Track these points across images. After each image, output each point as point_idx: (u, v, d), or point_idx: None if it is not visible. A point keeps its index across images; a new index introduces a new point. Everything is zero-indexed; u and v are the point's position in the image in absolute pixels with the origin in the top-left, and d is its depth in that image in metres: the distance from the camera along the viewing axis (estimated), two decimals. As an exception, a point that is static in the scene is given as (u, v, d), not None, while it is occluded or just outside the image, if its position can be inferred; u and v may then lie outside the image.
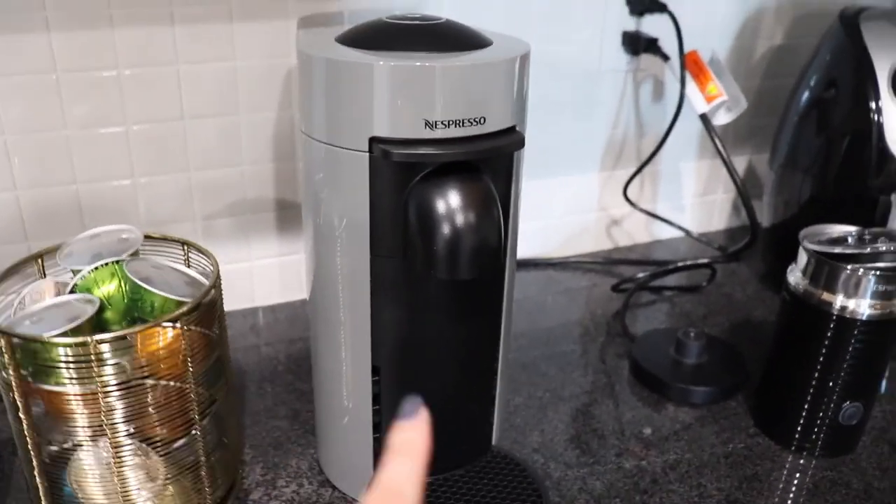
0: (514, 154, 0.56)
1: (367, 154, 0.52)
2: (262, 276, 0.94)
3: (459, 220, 0.51)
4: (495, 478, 0.64)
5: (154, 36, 0.78)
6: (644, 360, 0.83)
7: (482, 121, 0.52)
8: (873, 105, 0.87)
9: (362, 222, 0.54)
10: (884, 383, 0.74)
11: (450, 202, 0.51)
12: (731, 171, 0.89)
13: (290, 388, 0.80)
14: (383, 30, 0.55)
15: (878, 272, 0.66)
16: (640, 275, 1.01)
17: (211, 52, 0.80)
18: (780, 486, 0.69)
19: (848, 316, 0.67)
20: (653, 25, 0.98)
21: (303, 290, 0.96)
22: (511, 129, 0.54)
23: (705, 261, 1.02)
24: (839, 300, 0.68)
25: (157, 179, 0.84)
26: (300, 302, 0.96)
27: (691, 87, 0.91)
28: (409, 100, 0.50)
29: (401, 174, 0.52)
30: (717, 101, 0.90)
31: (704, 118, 0.91)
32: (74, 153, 0.80)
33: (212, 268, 0.61)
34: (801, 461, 0.72)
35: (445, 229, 0.51)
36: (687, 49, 0.94)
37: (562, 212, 1.07)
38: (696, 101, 0.91)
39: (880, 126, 0.86)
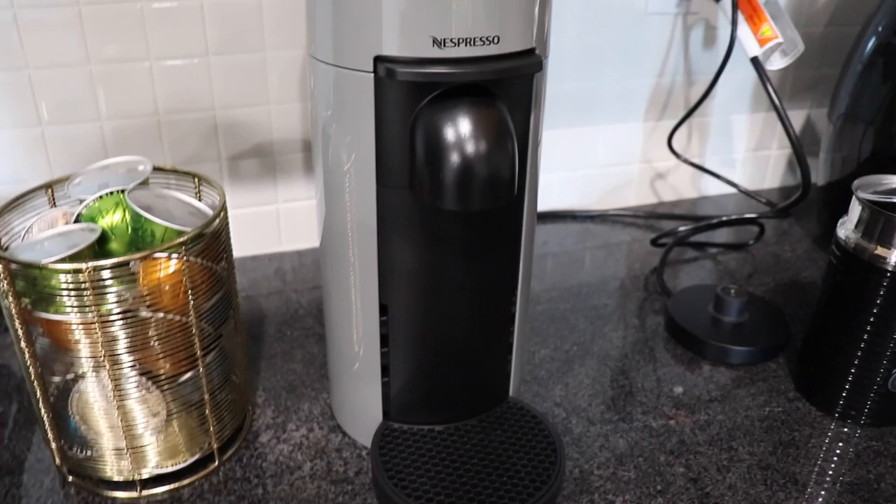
0: (533, 79, 0.52)
1: (373, 74, 0.48)
2: (288, 219, 0.92)
3: (469, 147, 0.47)
4: (510, 429, 0.60)
5: (177, -35, 0.76)
6: (680, 316, 0.78)
7: (496, 40, 0.48)
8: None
9: (368, 150, 0.50)
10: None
11: (459, 128, 0.47)
12: (784, 121, 0.83)
13: (309, 332, 0.78)
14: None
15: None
16: (682, 229, 0.96)
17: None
18: (819, 454, 0.65)
19: (903, 272, 0.62)
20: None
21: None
22: (530, 52, 0.50)
23: (752, 216, 0.96)
24: (894, 255, 0.62)
25: (181, 117, 0.82)
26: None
27: (743, 28, 0.85)
28: (417, 15, 0.46)
29: (408, 96, 0.48)
30: (772, 43, 0.84)
31: (756, 62, 0.84)
32: (100, 89, 0.78)
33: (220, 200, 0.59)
34: (844, 429, 0.67)
35: (454, 157, 0.47)
36: (742, -10, 0.88)
37: (603, 162, 1.02)
38: (749, 43, 0.85)
39: (950, 73, 0.80)
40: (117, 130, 0.80)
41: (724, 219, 0.99)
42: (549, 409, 0.68)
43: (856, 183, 0.66)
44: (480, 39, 0.47)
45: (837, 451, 0.65)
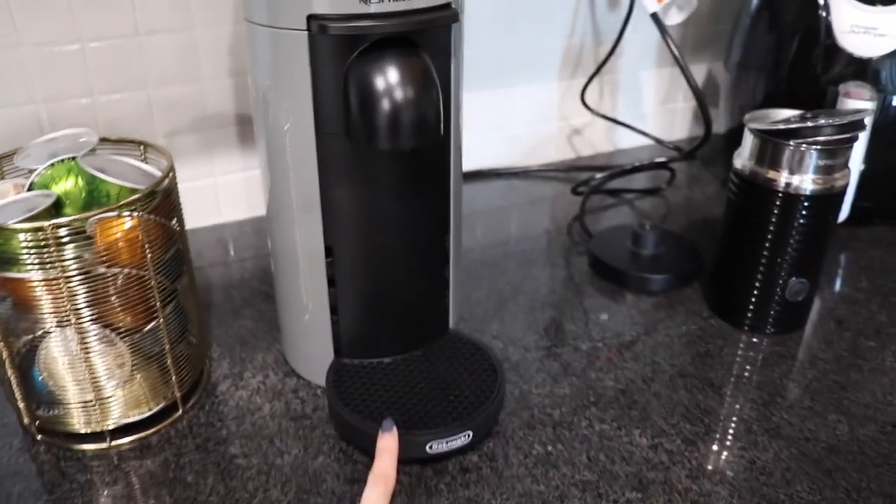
0: (451, 30, 0.57)
1: (307, 32, 0.53)
2: (227, 191, 0.95)
3: (397, 93, 0.52)
4: (453, 357, 0.66)
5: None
6: (602, 253, 0.85)
7: (416, -4, 0.53)
8: (821, 1, 0.88)
9: (306, 102, 0.55)
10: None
11: (387, 76, 0.52)
12: (685, 73, 0.90)
13: (256, 292, 0.82)
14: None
15: (818, 146, 0.68)
16: (599, 177, 1.03)
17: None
18: (732, 360, 0.72)
19: (792, 192, 0.69)
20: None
21: (269, 206, 0.97)
22: (446, 5, 0.55)
23: (662, 160, 1.04)
24: (783, 177, 0.69)
25: (116, 97, 0.85)
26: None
27: (643, -15, 0.92)
28: (345, -26, 0.51)
29: (340, 50, 0.53)
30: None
31: (656, 17, 0.92)
32: (31, 73, 0.80)
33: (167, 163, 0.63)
34: (753, 339, 0.75)
35: (384, 103, 0.52)
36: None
37: (523, 122, 1.08)
38: (648, 0, 0.92)
39: (828, 21, 0.88)
40: (52, 112, 0.83)
41: (637, 165, 1.06)
42: (488, 341, 0.74)
43: (747, 117, 0.73)
44: (401, -5, 0.52)
45: (747, 357, 0.72)
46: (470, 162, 1.07)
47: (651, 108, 1.16)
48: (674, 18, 0.94)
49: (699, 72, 1.17)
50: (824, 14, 0.88)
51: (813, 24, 0.89)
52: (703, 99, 0.91)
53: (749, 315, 0.76)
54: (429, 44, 0.55)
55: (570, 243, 0.92)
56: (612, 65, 1.10)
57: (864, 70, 0.87)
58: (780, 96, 0.95)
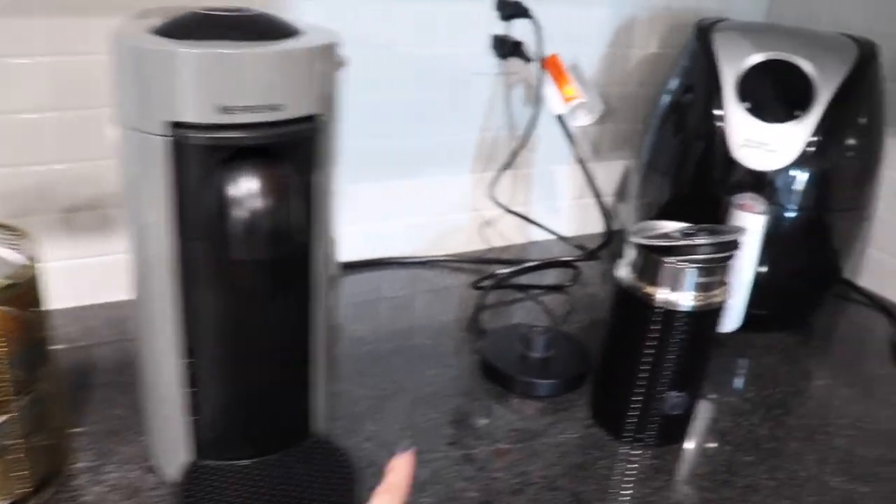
0: (314, 141, 0.57)
1: (169, 139, 0.53)
2: (121, 270, 0.93)
3: (254, 203, 0.52)
4: (312, 462, 0.65)
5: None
6: (491, 354, 0.85)
7: (279, 108, 0.53)
8: (720, 112, 0.91)
9: (168, 207, 0.55)
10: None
11: (245, 186, 0.53)
12: (586, 172, 0.92)
13: (136, 377, 0.80)
14: (195, 20, 0.56)
15: (697, 265, 0.69)
16: (501, 272, 1.03)
17: (18, 48, 0.80)
18: (605, 473, 0.72)
19: (670, 308, 0.70)
20: (524, 29, 1.01)
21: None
22: (310, 118, 0.55)
23: (566, 258, 1.05)
24: (662, 293, 0.70)
25: (12, 171, 0.83)
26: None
27: (550, 88, 0.94)
28: (207, 85, 0.51)
29: (200, 158, 0.53)
30: (575, 102, 0.93)
31: (561, 119, 0.93)
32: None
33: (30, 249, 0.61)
34: (630, 450, 0.75)
35: (240, 212, 0.52)
36: (552, 52, 0.97)
37: (433, 211, 1.09)
38: (554, 102, 0.94)
39: (725, 131, 0.90)
40: None
41: (536, 263, 1.07)
42: (359, 443, 0.72)
43: (632, 228, 0.74)
44: (265, 107, 0.52)
45: (622, 471, 0.72)
46: (374, 250, 1.07)
47: (566, 202, 1.18)
48: (582, 120, 0.96)
49: (616, 168, 1.19)
50: (721, 123, 0.90)
51: (711, 135, 0.91)
52: (600, 198, 0.93)
53: (628, 426, 0.76)
54: (292, 154, 0.55)
55: (464, 340, 0.91)
56: (527, 159, 1.12)
57: (760, 182, 0.89)
58: (684, 200, 0.97)
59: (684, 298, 0.70)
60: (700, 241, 0.69)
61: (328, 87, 0.57)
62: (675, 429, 0.77)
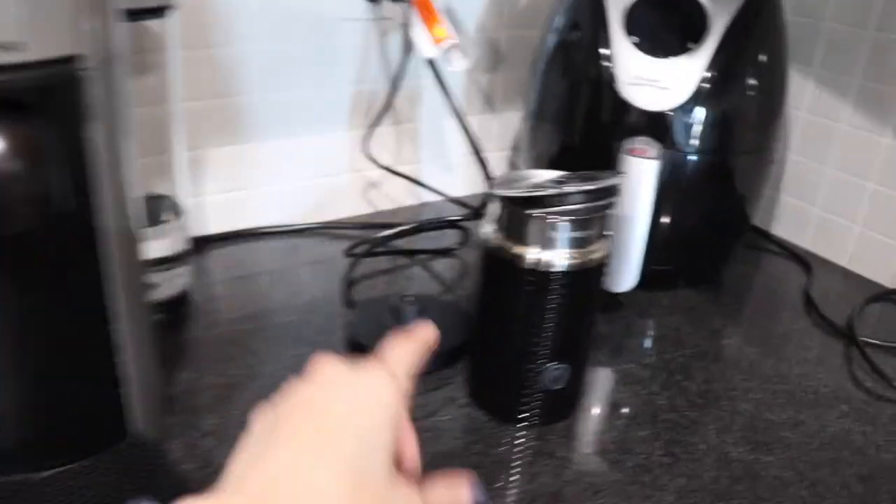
0: (74, 90, 0.46)
1: None
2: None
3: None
4: (129, 467, 0.55)
5: None
6: (359, 329, 0.76)
7: (17, 47, 0.42)
8: (607, 50, 0.82)
9: None
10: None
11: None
12: (462, 123, 0.83)
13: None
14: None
15: (569, 217, 0.60)
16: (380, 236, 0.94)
17: None
18: (477, 460, 0.63)
19: (542, 269, 0.61)
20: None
21: None
22: (66, 60, 0.45)
23: (450, 219, 0.95)
24: (532, 252, 0.61)
25: None
26: None
27: (419, 29, 0.84)
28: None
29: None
30: (447, 43, 0.83)
31: (433, 64, 0.83)
32: None
33: None
34: (509, 432, 0.66)
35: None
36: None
37: (310, 174, 0.99)
38: (424, 44, 0.84)
39: (613, 70, 0.81)
40: None
41: (413, 225, 0.97)
42: (195, 440, 0.63)
43: (496, 180, 0.65)
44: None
45: (497, 457, 0.64)
46: (247, 220, 0.97)
47: (460, 158, 1.08)
48: (458, 65, 0.86)
49: (513, 120, 1.10)
50: (608, 64, 0.81)
51: (599, 75, 0.82)
52: (479, 153, 0.84)
53: (505, 405, 0.67)
54: (44, 106, 0.45)
55: (336, 315, 0.82)
56: (412, 113, 1.02)
57: (654, 124, 0.81)
58: (575, 150, 0.88)
59: (558, 257, 0.61)
60: (570, 188, 0.60)
61: (99, 21, 0.46)
62: (560, 405, 0.68)
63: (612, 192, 0.62)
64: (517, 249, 0.62)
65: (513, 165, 1.12)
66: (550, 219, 0.60)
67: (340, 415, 0.37)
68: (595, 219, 0.62)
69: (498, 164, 1.12)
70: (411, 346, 0.44)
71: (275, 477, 0.34)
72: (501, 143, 1.10)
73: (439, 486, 0.42)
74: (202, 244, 0.93)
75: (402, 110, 1.00)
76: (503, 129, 1.11)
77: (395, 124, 1.00)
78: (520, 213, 0.61)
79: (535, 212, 0.60)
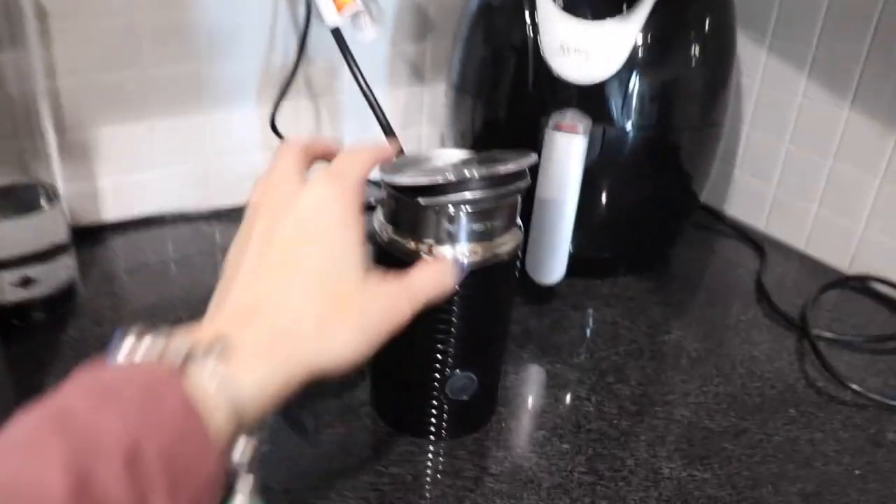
0: None
1: None
2: None
3: None
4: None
5: None
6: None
7: None
8: (531, 13, 0.73)
9: None
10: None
11: None
12: (368, 97, 0.74)
13: None
14: None
15: (468, 206, 0.51)
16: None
17: None
18: (371, 480, 0.55)
19: (441, 266, 0.53)
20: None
21: None
22: None
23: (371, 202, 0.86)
24: (428, 247, 0.53)
25: None
26: None
27: (322, -6, 0.75)
28: None
29: None
30: (351, 9, 0.74)
31: (338, 34, 0.74)
32: None
33: None
34: (410, 447, 0.58)
35: None
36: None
37: (217, 153, 0.89)
38: (327, 11, 0.74)
39: (537, 38, 0.73)
40: None
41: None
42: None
43: (389, 164, 0.56)
44: None
45: (396, 476, 0.56)
46: (146, 205, 0.88)
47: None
48: (368, 33, 0.77)
49: (438, 93, 1.01)
50: (531, 32, 0.73)
51: (524, 42, 0.74)
52: (388, 127, 0.75)
53: (408, 417, 0.59)
54: None
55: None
56: (336, 85, 0.93)
57: (584, 97, 0.72)
58: (499, 126, 0.79)
59: (458, 252, 0.53)
60: (468, 173, 0.51)
61: None
62: (469, 417, 0.60)
63: (518, 175, 0.53)
64: (411, 245, 0.53)
65: (443, 144, 1.03)
66: (447, 209, 0.52)
67: (292, 238, 0.42)
68: (502, 207, 0.53)
69: (431, 139, 1.04)
70: (364, 153, 0.47)
71: (252, 300, 0.40)
72: (433, 117, 1.01)
73: (424, 271, 0.47)
74: (94, 233, 0.84)
75: (319, 83, 0.91)
76: (434, 102, 1.02)
77: (313, 98, 0.91)
78: (411, 203, 0.52)
79: (429, 201, 0.51)
